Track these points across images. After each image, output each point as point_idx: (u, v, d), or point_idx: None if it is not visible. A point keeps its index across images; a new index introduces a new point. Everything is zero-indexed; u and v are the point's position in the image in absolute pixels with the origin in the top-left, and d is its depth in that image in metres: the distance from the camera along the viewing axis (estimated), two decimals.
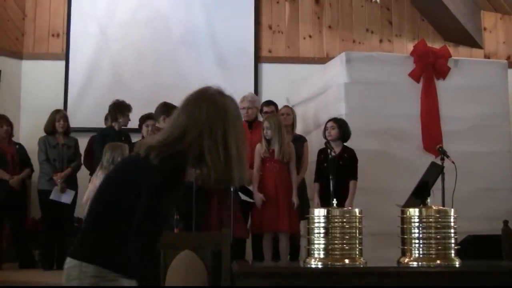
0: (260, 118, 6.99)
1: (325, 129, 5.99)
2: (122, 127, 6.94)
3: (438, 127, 6.52)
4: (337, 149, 5.82)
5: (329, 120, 6.04)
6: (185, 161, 2.32)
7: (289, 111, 6.63)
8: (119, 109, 6.87)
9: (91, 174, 7.11)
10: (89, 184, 5.79)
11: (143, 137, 6.79)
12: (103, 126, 7.26)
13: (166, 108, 6.11)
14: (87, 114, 7.96)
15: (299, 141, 6.49)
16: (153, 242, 2.31)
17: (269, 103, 6.92)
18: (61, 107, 7.81)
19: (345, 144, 5.96)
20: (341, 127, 5.93)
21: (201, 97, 2.38)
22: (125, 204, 2.29)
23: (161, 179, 2.27)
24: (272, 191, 5.87)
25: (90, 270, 2.29)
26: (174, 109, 6.13)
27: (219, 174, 2.31)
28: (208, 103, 2.35)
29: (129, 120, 6.92)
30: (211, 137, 2.30)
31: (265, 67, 8.59)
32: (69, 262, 2.35)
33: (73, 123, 7.30)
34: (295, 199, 5.86)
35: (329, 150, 5.56)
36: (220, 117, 2.33)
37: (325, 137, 5.99)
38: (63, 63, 8.40)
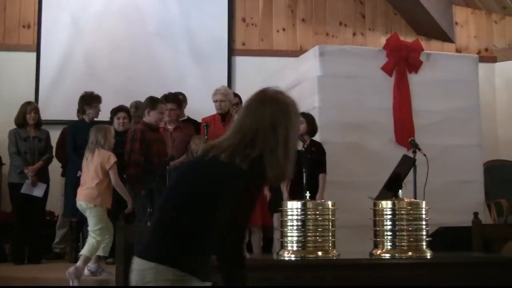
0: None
1: None
2: (94, 119, 6.89)
3: (410, 121, 6.56)
4: (300, 144, 5.85)
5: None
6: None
7: None
8: (86, 101, 6.83)
9: (62, 167, 7.05)
10: (83, 167, 5.83)
11: (115, 129, 6.75)
12: (76, 118, 7.18)
13: (150, 102, 6.14)
14: (60, 106, 7.88)
15: None
16: (243, 244, 2.35)
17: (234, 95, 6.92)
18: (32, 99, 7.70)
19: (312, 138, 5.97)
20: (309, 122, 5.94)
21: (262, 97, 2.42)
22: (205, 207, 2.27)
23: (252, 183, 2.30)
24: None
25: (168, 273, 2.23)
26: (159, 103, 6.11)
27: (277, 174, 2.32)
28: (272, 103, 2.39)
29: (99, 110, 6.86)
30: (275, 137, 2.32)
31: (239, 60, 8.58)
32: (142, 263, 2.27)
33: (44, 116, 7.22)
34: (266, 192, 5.85)
35: (301, 143, 5.58)
36: (283, 116, 2.36)
37: None
38: (34, 54, 8.28)
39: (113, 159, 5.68)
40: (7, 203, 7.20)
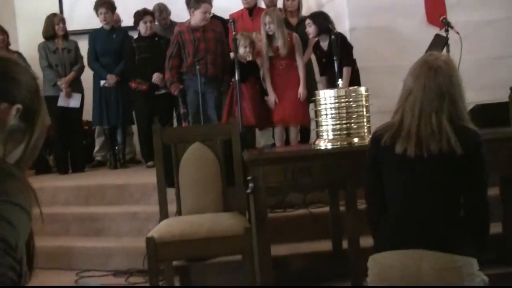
0: (261, 4, 6.82)
1: (308, 25, 5.84)
2: (114, 25, 6.90)
3: None
4: (325, 42, 5.72)
5: (306, 18, 5.90)
6: None
7: None
8: (95, 7, 6.83)
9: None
10: None
11: (139, 34, 6.69)
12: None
13: (194, 2, 5.88)
14: (85, 15, 7.77)
15: (304, 23, 6.38)
16: None
17: None
18: (57, 11, 7.67)
19: (334, 32, 5.78)
20: (317, 21, 5.73)
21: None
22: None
23: None
24: (280, 89, 5.80)
25: (476, 266, 2.34)
26: (202, 2, 5.84)
27: None
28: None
29: (110, 16, 6.83)
30: None
31: None
32: (459, 259, 2.30)
33: (71, 27, 7.20)
34: (302, 91, 5.80)
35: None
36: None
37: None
38: None
39: None
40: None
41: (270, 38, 5.77)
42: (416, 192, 2.42)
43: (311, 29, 5.77)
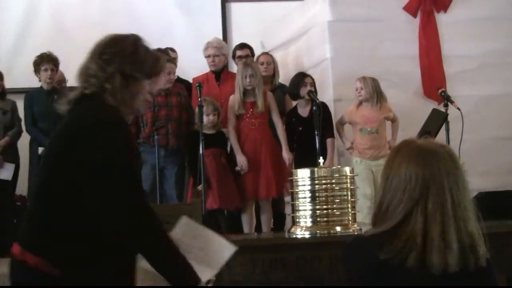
0: (232, 68, 6.89)
1: (304, 85, 5.93)
2: (56, 85, 6.91)
3: (440, 69, 6.50)
4: (306, 109, 5.89)
5: (308, 76, 6.06)
6: None
7: (269, 60, 6.50)
8: (34, 65, 6.84)
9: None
10: None
11: None
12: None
13: None
14: (25, 72, 7.77)
15: (281, 90, 6.44)
16: None
17: (243, 46, 6.81)
18: None
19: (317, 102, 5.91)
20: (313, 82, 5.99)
21: None
22: None
23: None
24: (252, 153, 5.78)
25: None
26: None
27: None
28: None
29: (52, 73, 6.84)
30: None
31: (234, 7, 8.46)
32: None
33: (9, 84, 7.17)
34: (286, 155, 5.81)
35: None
36: None
37: (298, 93, 5.96)
38: None
39: None
40: None
41: (245, 93, 5.81)
42: None
43: (312, 88, 5.88)
